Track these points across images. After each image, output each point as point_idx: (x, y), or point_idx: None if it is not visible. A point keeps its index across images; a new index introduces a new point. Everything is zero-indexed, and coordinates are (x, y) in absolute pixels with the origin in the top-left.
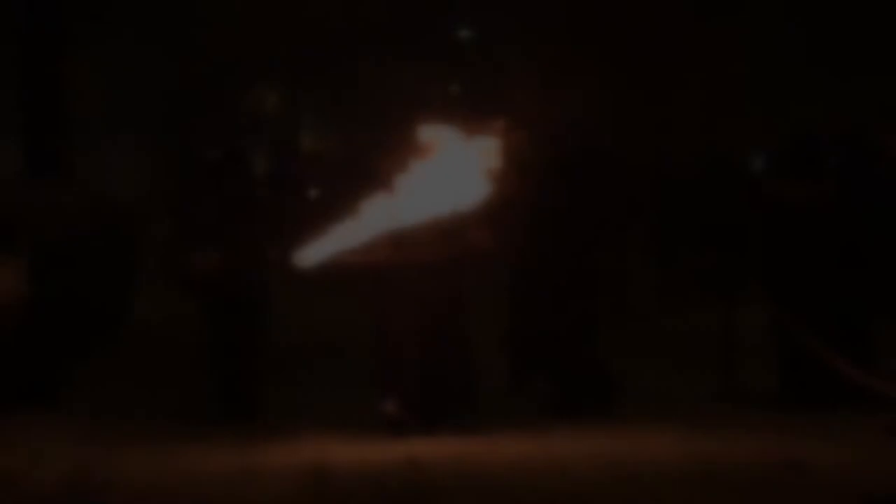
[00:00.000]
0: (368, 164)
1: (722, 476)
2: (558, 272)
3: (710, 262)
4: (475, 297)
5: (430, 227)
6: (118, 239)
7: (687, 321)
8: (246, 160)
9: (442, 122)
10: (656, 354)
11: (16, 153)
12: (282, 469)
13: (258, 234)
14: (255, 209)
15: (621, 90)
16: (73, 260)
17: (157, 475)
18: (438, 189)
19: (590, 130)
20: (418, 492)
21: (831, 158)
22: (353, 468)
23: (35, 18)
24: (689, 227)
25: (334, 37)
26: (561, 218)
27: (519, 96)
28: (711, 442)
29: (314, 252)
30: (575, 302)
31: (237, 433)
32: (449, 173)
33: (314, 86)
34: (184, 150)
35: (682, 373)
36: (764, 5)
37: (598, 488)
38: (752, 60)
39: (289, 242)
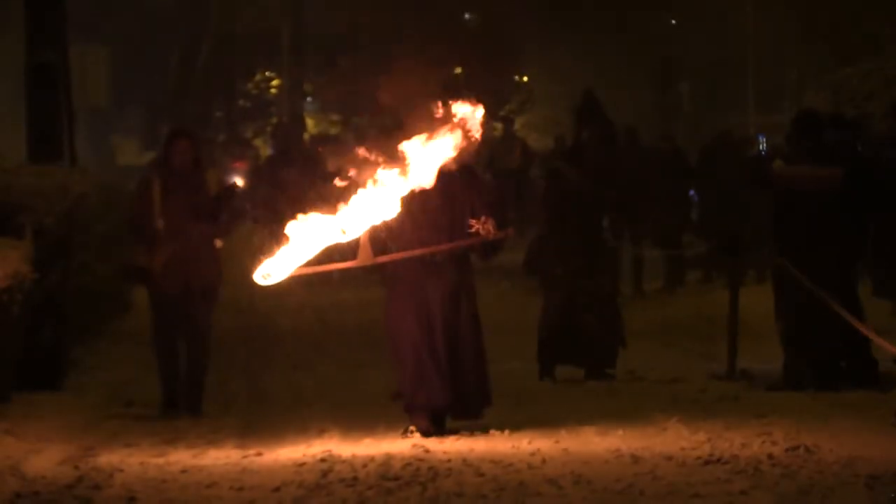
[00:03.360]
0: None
1: (725, 457)
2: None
3: (716, 244)
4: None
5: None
6: (121, 224)
7: (693, 304)
8: (191, 138)
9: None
10: (664, 336)
11: (20, 139)
12: (287, 452)
13: (200, 216)
14: (199, 190)
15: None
16: (77, 244)
17: (161, 460)
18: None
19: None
20: (423, 472)
21: (833, 139)
22: (358, 451)
23: (38, 4)
24: (696, 210)
25: (339, 20)
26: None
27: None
28: (716, 423)
29: (277, 267)
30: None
31: (240, 419)
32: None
33: (318, 69)
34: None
35: (688, 354)
36: None
37: (601, 468)
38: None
39: (231, 225)
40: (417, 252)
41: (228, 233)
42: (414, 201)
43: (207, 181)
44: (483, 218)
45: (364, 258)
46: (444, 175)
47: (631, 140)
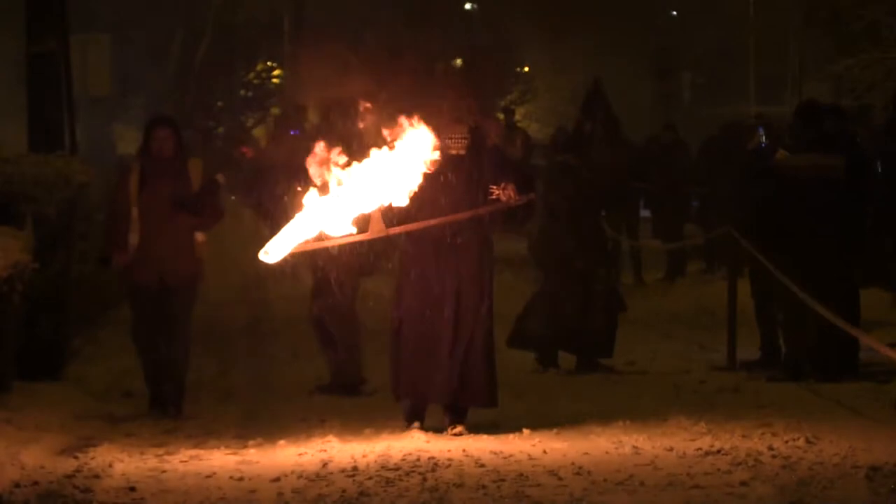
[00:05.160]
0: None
1: (725, 448)
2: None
3: (716, 235)
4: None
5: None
6: None
7: (694, 294)
8: (172, 126)
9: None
10: (664, 327)
11: (20, 128)
12: (287, 443)
13: (179, 206)
14: (179, 179)
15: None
16: (78, 234)
17: (161, 450)
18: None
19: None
20: (423, 462)
21: (833, 129)
22: (358, 441)
23: None
24: (696, 201)
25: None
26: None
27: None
28: (716, 414)
29: (279, 245)
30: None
31: (240, 409)
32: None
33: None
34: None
35: (689, 345)
36: None
37: (601, 459)
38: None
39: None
40: (432, 222)
41: (208, 226)
42: (432, 180)
43: (189, 171)
44: (503, 184)
45: (376, 230)
46: (464, 155)
47: None
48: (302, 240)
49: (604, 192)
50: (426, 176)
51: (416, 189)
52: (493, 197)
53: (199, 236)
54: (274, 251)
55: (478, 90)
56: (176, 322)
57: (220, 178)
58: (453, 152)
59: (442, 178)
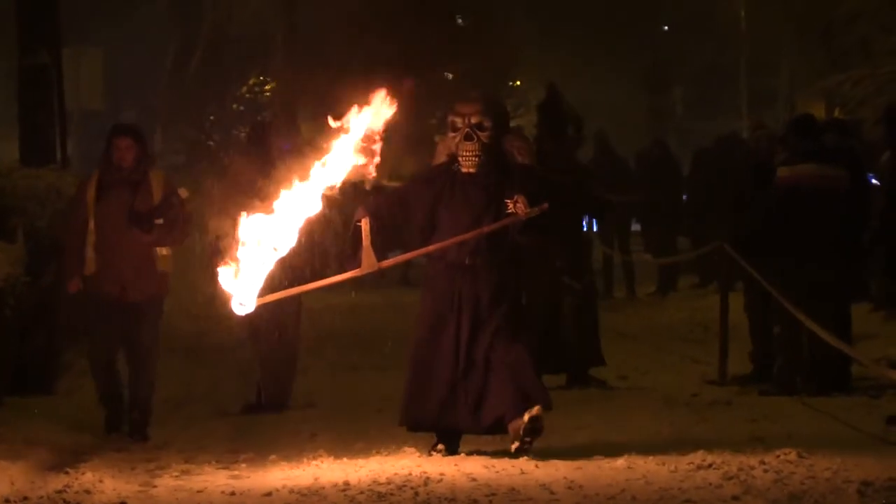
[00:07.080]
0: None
1: (717, 462)
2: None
3: (709, 249)
4: None
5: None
6: None
7: (686, 308)
8: (135, 136)
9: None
10: (656, 340)
11: (12, 141)
12: (278, 457)
13: (136, 219)
14: (138, 191)
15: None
16: None
17: (152, 465)
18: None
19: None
20: (415, 476)
21: (833, 142)
22: (349, 455)
23: (31, 6)
24: (689, 214)
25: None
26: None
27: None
28: (708, 428)
29: (252, 291)
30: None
31: (231, 423)
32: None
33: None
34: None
35: (681, 359)
36: None
37: (593, 473)
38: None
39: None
40: (427, 249)
41: (167, 243)
42: (449, 200)
43: (151, 183)
44: (515, 197)
45: (368, 265)
46: (476, 173)
47: (603, 145)
48: (282, 286)
49: (575, 199)
50: (443, 196)
51: (431, 209)
52: (509, 211)
53: (163, 249)
54: (248, 299)
55: (496, 107)
56: (138, 343)
57: (182, 192)
58: (464, 170)
59: (458, 197)
